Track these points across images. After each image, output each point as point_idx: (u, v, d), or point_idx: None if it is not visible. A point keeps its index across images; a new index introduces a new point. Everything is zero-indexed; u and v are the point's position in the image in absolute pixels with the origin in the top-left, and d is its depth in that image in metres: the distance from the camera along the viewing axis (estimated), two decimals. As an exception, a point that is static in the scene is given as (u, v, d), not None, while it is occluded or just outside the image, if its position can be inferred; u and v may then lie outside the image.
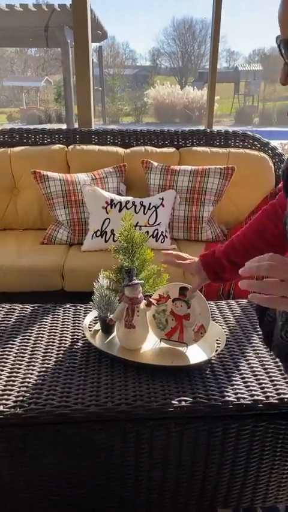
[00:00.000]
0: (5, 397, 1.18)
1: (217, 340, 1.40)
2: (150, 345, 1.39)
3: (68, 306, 1.66)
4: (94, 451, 1.20)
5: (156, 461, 1.23)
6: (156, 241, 2.12)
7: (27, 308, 1.64)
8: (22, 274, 2.03)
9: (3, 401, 1.16)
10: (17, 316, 1.58)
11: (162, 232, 2.15)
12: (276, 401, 1.19)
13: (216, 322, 1.52)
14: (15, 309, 1.63)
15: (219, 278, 1.21)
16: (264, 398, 1.19)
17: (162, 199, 2.18)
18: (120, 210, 2.10)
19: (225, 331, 1.47)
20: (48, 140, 2.58)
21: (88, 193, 2.17)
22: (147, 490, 1.29)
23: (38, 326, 1.52)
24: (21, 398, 1.18)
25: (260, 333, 1.48)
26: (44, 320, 1.56)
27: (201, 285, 1.27)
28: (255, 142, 2.61)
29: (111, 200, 2.13)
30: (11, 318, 1.57)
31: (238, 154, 2.52)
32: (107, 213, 2.11)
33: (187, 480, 1.28)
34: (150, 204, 2.14)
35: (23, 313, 1.60)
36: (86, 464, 1.23)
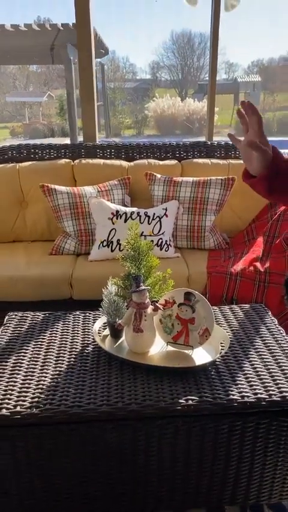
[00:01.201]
0: (21, 398, 1.25)
1: (221, 343, 1.47)
2: (158, 348, 1.46)
3: (77, 313, 1.73)
4: (106, 450, 1.26)
5: (165, 459, 1.29)
6: (161, 250, 2.20)
7: (38, 315, 1.71)
8: (32, 283, 2.11)
9: (20, 403, 1.23)
10: (29, 323, 1.65)
11: (166, 241, 2.23)
12: (278, 399, 1.25)
13: (220, 326, 1.58)
14: (28, 317, 1.70)
15: (276, 172, 1.00)
16: (267, 397, 1.25)
17: (166, 209, 2.26)
18: (125, 221, 2.19)
19: (228, 335, 1.53)
20: (55, 155, 2.68)
21: (94, 205, 2.26)
22: (157, 487, 1.34)
23: (49, 332, 1.59)
24: (36, 399, 1.25)
25: (264, 335, 1.55)
26: (55, 326, 1.63)
27: (256, 149, 0.99)
28: (255, 153, 2.70)
29: (117, 211, 2.22)
30: (23, 325, 1.64)
31: (238, 165, 2.60)
32: (113, 223, 2.19)
33: (195, 477, 1.33)
34: (154, 214, 2.23)
35: (35, 320, 1.68)
36: (98, 463, 1.29)
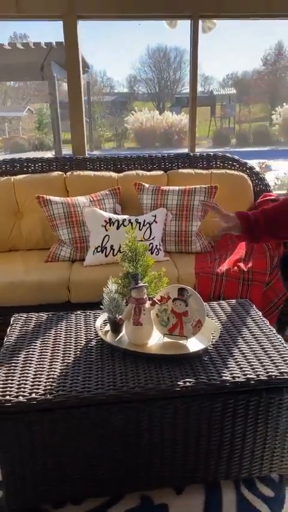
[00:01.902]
0: (35, 387, 1.38)
1: (212, 333, 1.63)
2: (155, 340, 1.61)
3: (78, 312, 1.87)
4: (113, 432, 1.40)
5: (166, 438, 1.44)
6: (152, 254, 2.36)
7: (42, 316, 1.84)
8: (31, 288, 2.23)
9: (34, 390, 1.36)
10: (34, 323, 1.78)
11: (156, 245, 2.40)
12: (265, 378, 1.41)
13: (211, 319, 1.75)
14: (32, 317, 1.83)
15: (252, 232, 1.41)
16: (255, 376, 1.41)
17: (155, 216, 2.43)
18: (118, 228, 2.34)
19: (218, 326, 1.70)
20: (47, 168, 2.83)
21: (88, 213, 2.41)
22: (159, 465, 1.48)
23: (54, 330, 1.72)
24: (49, 387, 1.38)
25: (250, 325, 1.72)
26: (59, 325, 1.76)
27: (230, 230, 1.50)
28: (235, 163, 2.91)
29: (110, 219, 2.38)
30: (29, 324, 1.77)
31: (220, 175, 2.80)
32: (106, 230, 2.35)
33: (193, 455, 1.48)
34: (144, 221, 2.39)
35: (40, 320, 1.81)
36: (106, 445, 1.42)
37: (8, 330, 1.73)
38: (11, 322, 1.79)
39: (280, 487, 1.60)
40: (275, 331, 1.68)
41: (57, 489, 1.47)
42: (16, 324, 1.78)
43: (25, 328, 1.75)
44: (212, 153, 2.95)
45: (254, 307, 1.87)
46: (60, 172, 2.77)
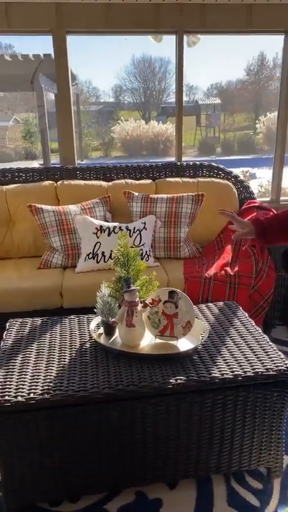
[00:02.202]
0: (33, 387, 1.44)
1: (201, 333, 1.71)
2: (147, 341, 1.68)
3: (72, 316, 1.93)
4: (108, 430, 1.46)
5: (159, 434, 1.50)
6: (142, 259, 2.43)
7: (37, 320, 1.90)
8: (25, 295, 2.29)
9: (32, 391, 1.42)
10: (30, 327, 1.84)
11: (146, 251, 2.48)
12: (252, 374, 1.49)
13: (200, 320, 1.83)
14: (27, 322, 1.89)
15: (264, 235, 1.53)
16: (242, 373, 1.49)
17: (145, 223, 2.52)
18: (109, 235, 2.42)
19: (207, 326, 1.78)
20: (38, 177, 2.90)
21: (80, 221, 2.48)
22: (153, 461, 1.55)
23: (49, 333, 1.78)
24: (46, 387, 1.44)
25: (237, 325, 1.81)
26: (54, 329, 1.83)
27: (245, 235, 1.59)
28: (220, 172, 3.02)
29: (101, 226, 2.45)
30: (25, 328, 1.83)
31: (206, 183, 2.90)
32: (98, 237, 2.42)
33: (185, 450, 1.55)
34: (134, 228, 2.47)
35: (35, 324, 1.87)
36: (101, 442, 1.48)
37: (4, 334, 1.79)
38: (7, 327, 1.84)
39: (268, 479, 1.67)
40: (260, 331, 1.76)
41: (55, 487, 1.53)
42: (12, 328, 1.83)
43: (21, 332, 1.80)
44: (198, 162, 3.05)
45: (241, 308, 1.96)
46: (51, 182, 2.84)
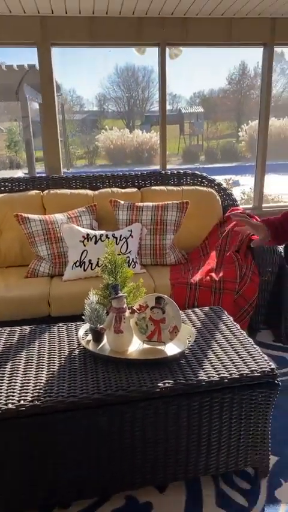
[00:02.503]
0: (23, 395, 1.45)
1: (188, 337, 1.75)
2: (135, 347, 1.71)
3: (60, 324, 1.95)
4: (97, 435, 1.48)
5: (148, 438, 1.53)
6: (129, 267, 2.47)
7: (25, 329, 1.91)
8: (13, 304, 2.30)
9: (23, 397, 1.44)
10: (18, 336, 1.85)
11: (133, 259, 2.52)
12: (237, 376, 1.54)
13: (186, 325, 1.87)
14: (16, 330, 1.90)
15: (278, 236, 1.57)
16: (228, 375, 1.53)
17: (131, 231, 2.56)
18: (96, 243, 2.45)
19: (193, 331, 1.82)
20: (24, 187, 2.92)
21: (66, 230, 2.51)
22: (142, 465, 1.57)
23: (38, 341, 1.80)
24: (36, 394, 1.45)
25: (222, 329, 1.85)
26: (43, 336, 1.84)
27: (263, 241, 1.62)
28: (204, 180, 3.09)
29: (87, 234, 2.48)
30: (13, 337, 1.84)
31: (190, 191, 2.97)
32: (84, 245, 2.45)
33: (173, 453, 1.58)
34: (121, 235, 2.51)
35: (23, 332, 1.88)
36: (91, 447, 1.50)
37: (-7, 343, 1.80)
38: (-4, 336, 1.85)
39: (255, 480, 1.71)
40: (245, 334, 1.81)
41: (45, 494, 1.54)
42: (0, 337, 1.84)
43: (9, 341, 1.81)
44: (182, 171, 3.11)
45: (226, 313, 2.01)
46: (37, 191, 2.87)
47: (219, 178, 3.21)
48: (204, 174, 3.12)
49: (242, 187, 7.36)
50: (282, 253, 2.51)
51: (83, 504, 1.60)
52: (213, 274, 2.44)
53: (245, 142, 16.24)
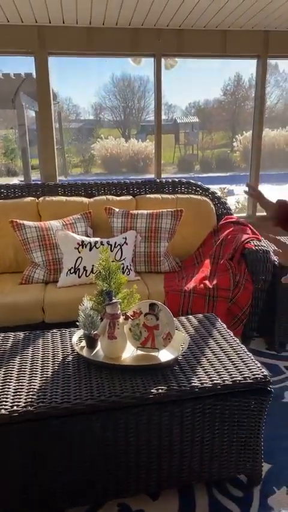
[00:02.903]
0: (16, 400, 1.45)
1: (181, 344, 1.75)
2: (129, 353, 1.72)
3: (54, 330, 1.96)
4: (91, 441, 1.48)
5: (141, 444, 1.53)
6: (123, 273, 2.48)
7: (19, 334, 1.91)
8: (7, 310, 2.29)
9: (16, 403, 1.43)
10: (12, 341, 1.85)
11: (127, 266, 2.53)
12: (230, 382, 1.54)
13: (180, 332, 1.87)
14: (10, 336, 1.90)
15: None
16: (221, 382, 1.54)
17: (126, 238, 2.57)
18: (90, 249, 2.46)
19: (187, 337, 1.82)
20: (19, 194, 2.93)
21: (61, 236, 2.52)
22: (135, 471, 1.57)
23: (32, 347, 1.80)
24: (30, 400, 1.45)
25: (215, 336, 1.86)
26: (37, 342, 1.84)
27: (270, 220, 1.50)
28: (198, 189, 3.12)
29: (82, 241, 2.50)
30: (7, 342, 1.84)
31: (184, 199, 2.99)
32: (79, 252, 2.46)
33: (167, 460, 1.58)
34: (116, 242, 2.53)
35: (17, 338, 1.88)
36: (85, 453, 1.50)
37: (-14, 349, 1.79)
38: (-11, 342, 1.85)
39: (248, 487, 1.71)
40: (238, 341, 1.82)
41: (38, 500, 1.53)
42: (-6, 343, 1.84)
43: (3, 346, 1.81)
44: (177, 179, 3.14)
45: (219, 320, 2.02)
46: (32, 198, 2.88)
47: (214, 188, 3.25)
48: (199, 183, 3.15)
49: (236, 196, 7.43)
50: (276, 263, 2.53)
51: (77, 511, 1.60)
52: (207, 282, 2.46)
53: (239, 152, 16.39)
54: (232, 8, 2.64)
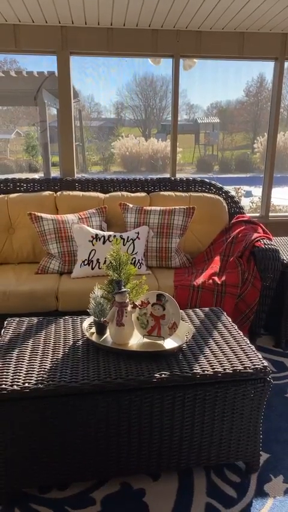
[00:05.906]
0: (28, 378, 1.55)
1: (186, 334, 1.83)
2: (136, 340, 1.80)
3: (66, 317, 2.06)
4: (96, 420, 1.57)
5: (143, 426, 1.61)
6: (134, 267, 2.57)
7: (33, 319, 2.02)
8: (23, 297, 2.41)
9: (27, 381, 1.54)
10: (26, 326, 1.96)
11: (139, 260, 2.62)
12: (231, 371, 1.61)
13: (185, 322, 1.95)
14: (24, 321, 2.01)
15: None
16: (222, 370, 1.61)
17: (138, 233, 2.66)
18: (104, 243, 2.56)
19: (192, 328, 1.90)
20: (38, 188, 3.05)
21: (77, 230, 2.62)
22: (137, 451, 1.65)
23: (44, 331, 1.91)
24: (40, 378, 1.55)
25: (220, 328, 1.93)
26: (49, 327, 1.95)
27: None
28: (211, 187, 3.18)
29: (96, 235, 2.59)
30: (22, 327, 1.95)
31: (198, 197, 3.06)
32: (93, 245, 2.56)
33: (168, 442, 1.66)
34: (128, 237, 2.62)
35: (31, 323, 1.99)
36: (90, 431, 1.59)
37: (2, 331, 1.91)
38: (5, 325, 1.96)
39: (246, 474, 1.78)
40: (241, 333, 1.89)
41: (44, 474, 1.63)
42: (9, 326, 1.95)
43: (18, 330, 1.92)
44: (191, 178, 3.21)
45: (225, 313, 2.09)
46: (50, 192, 2.99)
47: (228, 188, 3.30)
48: (213, 182, 3.22)
49: (254, 197, 7.43)
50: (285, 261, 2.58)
51: (80, 487, 1.69)
52: (215, 278, 2.52)
53: (259, 154, 16.29)
54: (250, 11, 2.70)
